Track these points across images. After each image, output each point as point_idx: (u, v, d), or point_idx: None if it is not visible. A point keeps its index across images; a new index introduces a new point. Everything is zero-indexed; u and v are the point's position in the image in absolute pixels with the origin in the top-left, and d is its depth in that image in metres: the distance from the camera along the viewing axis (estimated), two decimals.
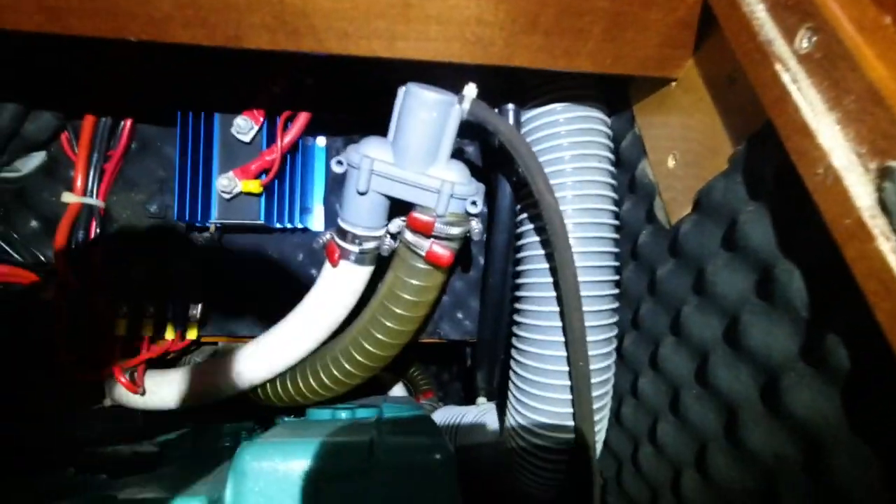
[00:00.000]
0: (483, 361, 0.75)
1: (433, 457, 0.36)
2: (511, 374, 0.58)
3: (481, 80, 0.53)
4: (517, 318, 0.57)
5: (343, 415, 0.55)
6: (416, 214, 0.45)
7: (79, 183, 0.61)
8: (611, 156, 0.54)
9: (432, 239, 0.44)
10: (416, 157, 0.43)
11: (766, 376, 0.35)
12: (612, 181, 0.54)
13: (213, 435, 0.55)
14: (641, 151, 0.52)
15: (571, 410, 0.51)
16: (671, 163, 0.46)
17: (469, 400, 0.92)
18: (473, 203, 0.44)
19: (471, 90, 0.41)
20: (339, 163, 0.45)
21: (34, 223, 0.62)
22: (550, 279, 0.52)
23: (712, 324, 0.40)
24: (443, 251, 0.44)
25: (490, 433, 0.68)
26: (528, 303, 0.54)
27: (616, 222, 0.54)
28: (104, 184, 0.63)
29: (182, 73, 0.57)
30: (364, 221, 0.48)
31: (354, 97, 0.63)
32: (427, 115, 0.40)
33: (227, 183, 0.57)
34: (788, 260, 0.32)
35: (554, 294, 0.51)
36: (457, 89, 0.44)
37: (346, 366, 0.50)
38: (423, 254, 0.44)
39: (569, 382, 0.51)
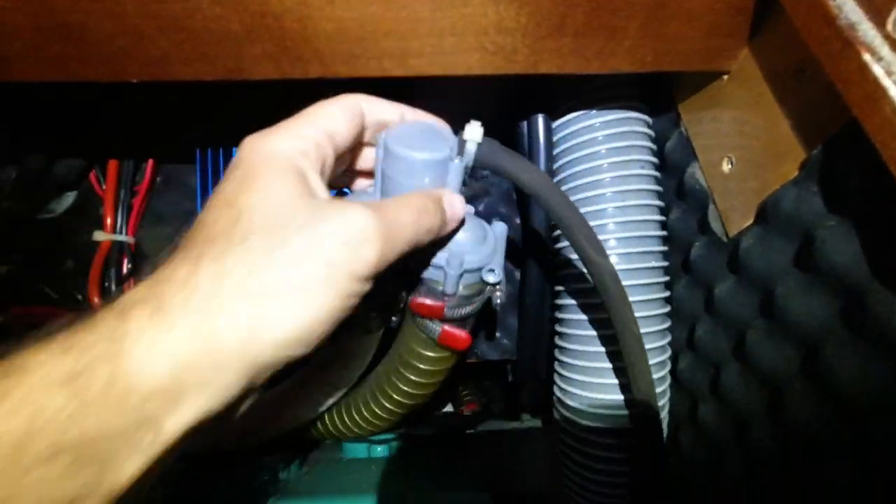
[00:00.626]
0: (525, 379, 0.71)
1: None
2: (557, 396, 0.54)
3: (502, 89, 0.49)
4: (561, 341, 0.52)
5: (378, 450, 0.52)
6: (419, 299, 0.35)
7: (108, 221, 0.61)
8: (654, 160, 0.49)
9: (443, 322, 0.36)
10: None
11: (854, 417, 0.29)
12: (657, 188, 0.49)
13: (250, 470, 0.54)
14: (690, 154, 0.46)
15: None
16: (726, 167, 0.41)
17: (513, 413, 0.88)
18: (491, 271, 0.34)
19: (474, 132, 0.30)
20: None
21: (69, 262, 0.63)
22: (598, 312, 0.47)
23: (786, 353, 0.35)
24: (458, 333, 0.36)
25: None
26: (573, 326, 0.50)
27: (663, 233, 0.49)
28: (132, 219, 0.63)
29: (198, 111, 0.56)
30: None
31: None
32: (417, 182, 0.30)
33: None
34: (885, 288, 0.27)
35: (601, 315, 0.46)
36: (473, 101, 0.40)
37: (375, 411, 0.48)
38: (435, 338, 0.36)
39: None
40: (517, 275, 0.68)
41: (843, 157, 0.29)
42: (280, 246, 0.22)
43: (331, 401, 0.49)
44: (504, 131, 0.54)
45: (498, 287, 0.35)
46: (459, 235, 0.33)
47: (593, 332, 0.48)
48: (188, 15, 0.32)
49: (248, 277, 0.21)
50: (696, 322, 0.46)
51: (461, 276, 0.33)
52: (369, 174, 0.34)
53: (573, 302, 0.50)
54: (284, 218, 0.23)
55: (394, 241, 0.25)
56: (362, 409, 0.49)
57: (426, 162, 0.29)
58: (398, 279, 0.34)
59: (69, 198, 0.63)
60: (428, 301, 0.34)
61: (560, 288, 0.52)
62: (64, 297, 0.61)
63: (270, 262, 0.22)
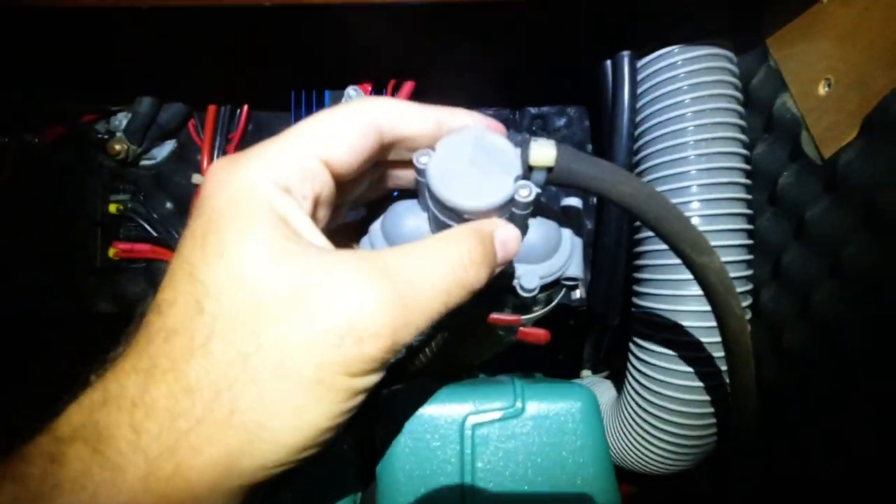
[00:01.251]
0: (592, 331, 0.72)
1: (578, 398, 0.35)
2: (633, 345, 0.55)
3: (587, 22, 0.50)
4: (642, 287, 0.53)
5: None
6: (494, 316, 0.31)
7: (205, 165, 0.66)
8: (739, 96, 0.50)
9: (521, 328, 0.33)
10: None
11: None
12: (742, 122, 0.50)
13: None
14: (779, 86, 0.47)
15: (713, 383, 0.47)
16: (823, 90, 0.42)
17: (567, 374, 0.89)
18: (569, 279, 0.30)
19: (543, 153, 0.24)
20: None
21: (169, 205, 0.68)
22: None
23: (891, 261, 0.36)
24: (538, 332, 0.34)
25: (605, 408, 0.65)
26: (658, 272, 0.50)
27: (748, 167, 0.49)
28: None
29: (292, 54, 0.59)
30: None
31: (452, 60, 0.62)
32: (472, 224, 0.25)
33: None
34: None
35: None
36: (558, 33, 0.40)
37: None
38: (512, 338, 0.35)
39: (709, 353, 0.47)
40: (589, 224, 0.69)
41: None
42: (256, 351, 0.17)
43: None
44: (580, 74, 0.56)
45: (578, 283, 0.31)
46: (530, 244, 0.28)
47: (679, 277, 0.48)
48: None
49: (216, 399, 0.17)
50: (782, 251, 0.47)
51: (535, 290, 0.28)
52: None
53: (656, 247, 0.50)
54: (259, 301, 0.18)
55: (413, 319, 0.19)
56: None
57: (484, 210, 0.23)
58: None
59: (169, 146, 0.68)
60: (503, 316, 0.31)
61: (640, 250, 0.53)
62: (164, 236, 0.66)
63: (244, 374, 0.17)
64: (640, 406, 0.53)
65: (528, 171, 0.24)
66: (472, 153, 0.24)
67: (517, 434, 0.34)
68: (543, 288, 0.29)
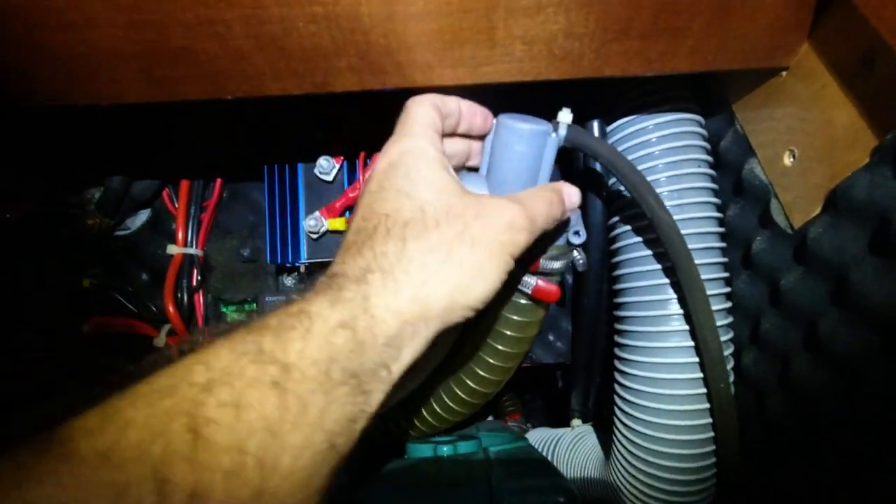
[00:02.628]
0: (578, 383, 0.71)
1: (558, 500, 0.33)
2: (618, 398, 0.55)
3: (557, 96, 0.52)
4: (622, 338, 0.53)
5: (445, 449, 0.53)
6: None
7: (180, 235, 0.65)
8: (709, 159, 0.50)
9: (537, 276, 0.41)
10: (511, 187, 0.39)
11: None
12: (713, 185, 0.50)
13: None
14: (747, 150, 0.47)
15: (698, 437, 0.47)
16: (788, 161, 0.42)
17: (556, 420, 0.88)
18: (576, 233, 0.39)
19: (565, 116, 0.37)
20: None
21: (144, 276, 0.67)
22: (664, 296, 0.48)
23: (864, 339, 0.35)
24: (550, 286, 0.40)
25: (594, 458, 0.64)
26: (636, 323, 0.50)
27: (721, 230, 0.50)
28: (202, 233, 0.66)
29: (265, 132, 0.59)
30: None
31: None
32: (523, 148, 0.36)
33: (314, 223, 0.58)
34: None
35: (670, 312, 0.47)
36: (541, 109, 0.42)
37: (449, 403, 0.49)
38: (529, 291, 0.41)
39: (694, 405, 0.46)
40: (569, 278, 0.69)
41: None
42: (464, 231, 0.28)
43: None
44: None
45: (578, 250, 0.41)
46: None
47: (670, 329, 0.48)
48: (286, 34, 0.35)
49: (448, 254, 0.27)
50: (760, 316, 0.47)
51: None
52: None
53: (634, 299, 0.51)
54: (461, 209, 0.29)
55: (535, 227, 0.31)
56: (444, 396, 0.50)
57: (532, 131, 0.36)
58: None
59: (143, 215, 0.67)
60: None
61: (620, 286, 0.53)
62: (140, 308, 0.65)
63: (461, 242, 0.27)
64: (629, 455, 0.52)
65: (556, 125, 0.37)
66: (524, 117, 0.37)
67: None
68: (557, 246, 0.40)
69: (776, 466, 0.46)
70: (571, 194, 0.36)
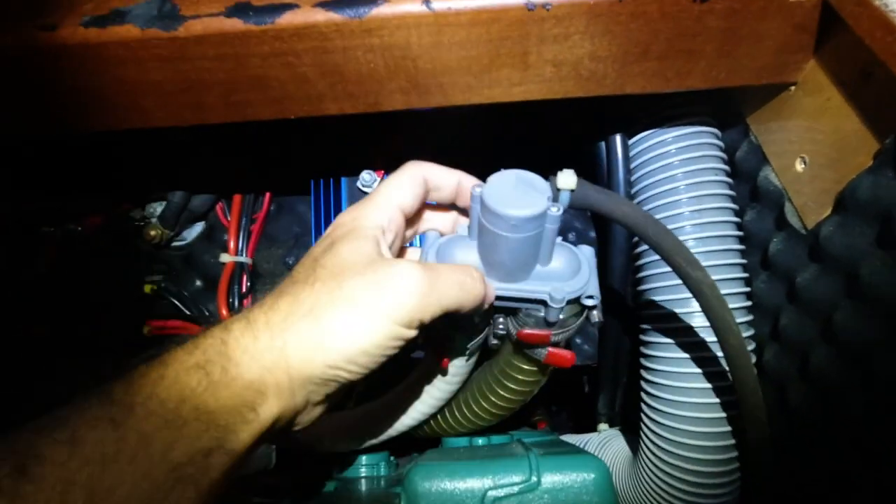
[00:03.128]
0: (605, 386, 0.74)
1: (592, 470, 0.37)
2: (645, 401, 0.57)
3: (584, 113, 0.56)
4: (647, 340, 0.56)
5: (480, 441, 0.57)
6: (526, 331, 0.38)
7: (231, 245, 0.71)
8: (726, 168, 0.54)
9: (549, 346, 0.39)
10: (512, 272, 0.35)
11: None
12: (731, 192, 0.53)
13: (352, 466, 0.59)
14: (761, 159, 0.51)
15: (724, 443, 0.49)
16: (800, 167, 0.45)
17: (582, 428, 0.90)
18: (589, 297, 0.35)
19: (567, 180, 0.32)
20: None
21: (198, 282, 0.73)
22: (685, 308, 0.51)
23: (876, 329, 0.38)
24: (563, 353, 0.38)
25: (622, 459, 0.66)
26: (662, 329, 0.53)
27: (739, 233, 0.53)
28: (251, 243, 0.72)
29: (312, 149, 0.65)
30: None
31: (458, 143, 0.68)
32: (517, 236, 0.31)
33: None
34: None
35: (691, 313, 0.50)
36: (557, 122, 0.46)
37: (476, 412, 0.52)
38: (541, 359, 0.40)
39: (723, 417, 0.49)
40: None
41: None
42: (338, 287, 0.28)
43: (429, 412, 0.54)
44: (581, 148, 0.61)
45: (595, 307, 0.36)
46: (557, 267, 0.35)
47: (681, 341, 0.51)
48: (346, 62, 0.40)
49: (313, 308, 0.27)
50: (779, 313, 0.49)
51: (563, 305, 0.35)
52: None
53: (659, 311, 0.53)
54: (348, 269, 0.29)
55: (433, 302, 0.29)
56: (464, 409, 0.54)
57: (525, 218, 0.31)
58: (451, 326, 0.39)
59: (199, 227, 0.73)
60: (534, 331, 0.37)
61: (643, 288, 0.56)
62: (195, 312, 0.70)
63: (330, 298, 0.28)
64: (657, 458, 0.54)
65: (556, 192, 0.33)
66: (514, 183, 0.32)
67: None
68: (568, 306, 0.36)
69: (799, 458, 0.48)
70: (488, 295, 0.34)
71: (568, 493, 0.36)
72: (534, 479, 0.36)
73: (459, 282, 0.31)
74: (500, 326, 0.41)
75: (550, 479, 0.36)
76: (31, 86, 0.41)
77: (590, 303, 0.36)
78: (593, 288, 0.35)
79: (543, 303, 0.35)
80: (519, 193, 0.31)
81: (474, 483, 0.36)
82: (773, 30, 0.39)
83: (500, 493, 0.36)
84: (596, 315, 0.37)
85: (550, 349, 0.38)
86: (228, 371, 0.26)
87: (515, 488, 0.36)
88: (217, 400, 0.25)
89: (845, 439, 0.42)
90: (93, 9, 0.38)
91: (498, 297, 0.36)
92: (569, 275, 0.35)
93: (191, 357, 0.26)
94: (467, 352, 0.44)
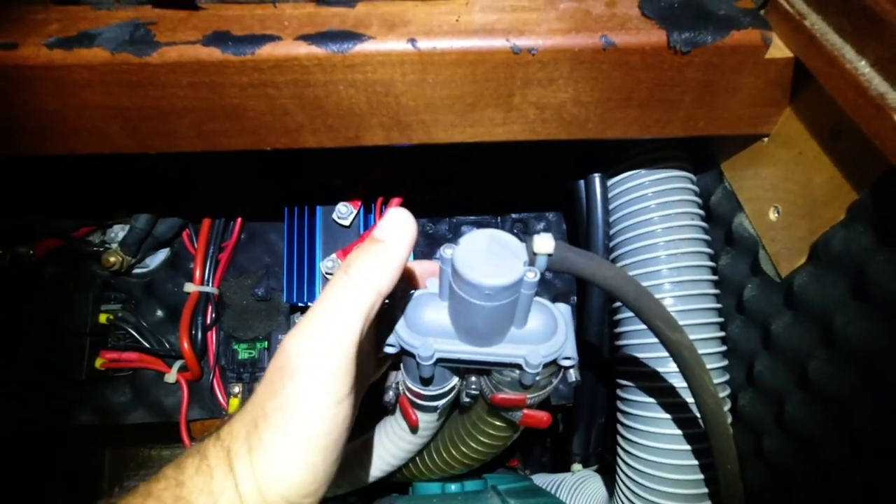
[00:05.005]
0: (580, 426, 0.72)
1: None
2: (621, 443, 0.56)
3: (565, 151, 0.56)
4: (626, 391, 0.55)
5: (452, 487, 0.54)
6: (501, 396, 0.37)
7: (198, 273, 0.68)
8: (701, 212, 0.55)
9: (524, 409, 0.37)
10: (485, 337, 0.33)
11: None
12: (706, 237, 0.54)
13: None
14: (735, 205, 0.52)
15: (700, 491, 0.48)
16: (773, 216, 0.46)
17: (557, 466, 0.88)
18: (567, 358, 0.34)
19: (545, 244, 0.30)
20: (391, 345, 0.34)
21: (160, 312, 0.69)
22: (662, 365, 0.50)
23: (851, 379, 0.38)
24: (539, 414, 0.38)
25: (597, 500, 0.65)
26: (641, 378, 0.53)
27: (714, 277, 0.53)
28: (218, 272, 0.69)
29: (286, 176, 0.63)
30: (434, 386, 0.40)
31: (437, 178, 0.68)
32: (491, 304, 0.29)
33: (330, 265, 0.61)
34: None
35: (667, 366, 0.50)
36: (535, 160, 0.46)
37: (447, 461, 0.50)
38: (517, 421, 0.39)
39: (694, 461, 0.49)
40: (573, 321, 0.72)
41: (887, 199, 0.34)
42: (261, 408, 0.26)
43: (398, 465, 0.52)
44: (557, 185, 0.61)
45: (573, 366, 0.35)
46: (533, 328, 0.33)
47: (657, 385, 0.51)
48: (327, 95, 0.39)
49: (248, 437, 0.26)
50: (753, 359, 0.50)
51: (539, 368, 0.33)
52: None
53: (637, 364, 0.53)
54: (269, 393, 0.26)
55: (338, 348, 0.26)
56: (435, 458, 0.52)
57: (499, 287, 0.29)
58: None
59: (162, 254, 0.70)
60: (510, 396, 0.36)
61: (620, 331, 0.56)
62: (154, 345, 0.66)
63: (254, 422, 0.26)
64: (632, 500, 0.53)
65: (532, 257, 0.30)
66: (487, 245, 0.30)
67: None
68: (545, 368, 0.33)
69: (781, 501, 0.47)
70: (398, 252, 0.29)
71: None
72: None
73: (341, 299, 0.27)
74: (473, 387, 0.39)
75: None
76: None
77: (567, 363, 0.34)
78: (570, 349, 0.34)
79: (519, 367, 0.34)
80: (493, 258, 0.29)
81: None
82: (749, 84, 0.40)
83: None
84: (573, 375, 0.36)
85: (526, 411, 0.37)
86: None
87: None
88: None
89: (824, 487, 0.42)
90: (59, 30, 0.36)
91: (470, 362, 0.35)
92: (545, 336, 0.34)
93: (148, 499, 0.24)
94: (437, 410, 0.43)
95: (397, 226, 0.29)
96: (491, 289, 0.29)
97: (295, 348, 0.26)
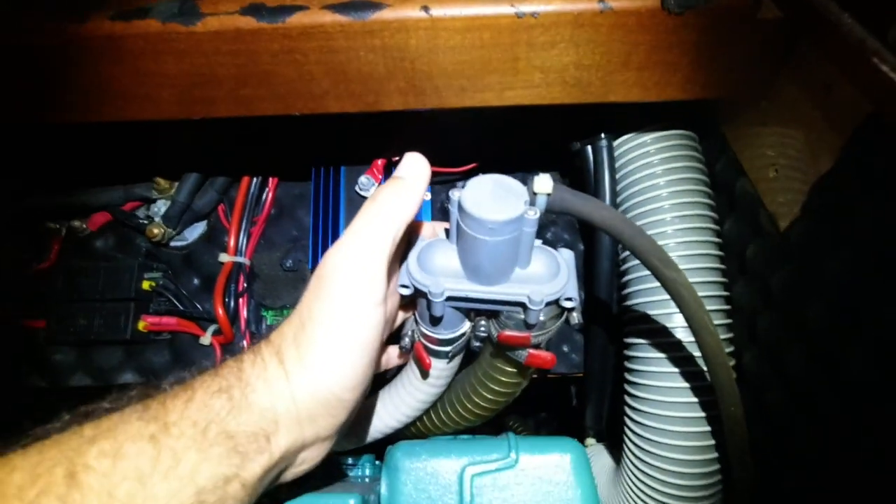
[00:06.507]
0: (591, 397, 0.74)
1: (569, 451, 0.38)
2: (627, 414, 0.58)
3: (574, 117, 0.59)
4: (632, 348, 0.57)
5: (464, 437, 0.57)
6: (507, 333, 0.39)
7: (231, 244, 0.73)
8: (705, 178, 0.57)
9: (529, 348, 0.39)
10: (491, 275, 0.36)
11: None
12: (710, 201, 0.56)
13: (336, 466, 0.59)
14: (738, 170, 0.54)
15: (707, 457, 0.50)
16: (772, 174, 0.48)
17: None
18: (568, 299, 0.36)
19: (544, 184, 0.32)
20: (405, 286, 0.36)
21: (196, 281, 0.74)
22: (667, 314, 0.52)
23: (845, 325, 0.40)
24: (543, 354, 0.39)
25: (606, 474, 0.66)
26: (644, 343, 0.54)
27: (719, 240, 0.55)
28: (250, 244, 0.74)
29: (315, 141, 0.68)
30: (446, 329, 0.42)
31: (456, 148, 0.71)
32: (495, 239, 0.32)
33: None
34: None
35: (672, 317, 0.52)
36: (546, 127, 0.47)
37: (460, 412, 0.52)
38: (522, 361, 0.41)
39: (705, 428, 0.50)
40: (582, 294, 0.74)
41: (868, 144, 0.36)
42: (310, 314, 0.30)
43: (413, 415, 0.55)
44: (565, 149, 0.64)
45: (574, 308, 0.37)
46: (536, 269, 0.36)
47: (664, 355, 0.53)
48: (349, 61, 0.44)
49: (296, 337, 0.30)
50: (756, 317, 0.51)
51: (542, 307, 0.35)
52: None
53: (641, 318, 0.55)
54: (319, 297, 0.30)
55: (373, 261, 0.31)
56: (448, 410, 0.55)
57: (503, 222, 0.31)
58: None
59: (200, 227, 0.76)
60: (515, 333, 0.38)
61: (627, 292, 0.58)
62: (190, 310, 0.72)
63: (305, 324, 0.30)
64: (639, 470, 0.55)
65: (532, 196, 0.33)
66: (492, 187, 0.33)
67: (512, 484, 0.37)
68: (548, 308, 0.36)
69: (778, 460, 0.49)
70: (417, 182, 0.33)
71: (545, 472, 0.37)
72: (512, 456, 0.37)
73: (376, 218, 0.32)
74: (482, 329, 0.42)
75: (528, 459, 0.37)
76: (55, 73, 0.45)
77: (569, 304, 0.36)
78: (572, 290, 0.36)
79: (523, 305, 0.36)
80: (496, 198, 0.32)
81: (453, 459, 0.37)
82: (743, 45, 0.43)
83: (478, 469, 0.37)
84: (576, 317, 0.37)
85: (531, 351, 0.39)
86: (246, 395, 0.27)
87: (493, 465, 0.37)
88: (238, 424, 0.27)
89: (823, 440, 0.43)
90: (119, 4, 0.42)
91: (478, 300, 0.37)
92: (548, 277, 0.36)
93: (214, 382, 0.27)
94: (449, 354, 0.46)
95: (415, 165, 0.34)
96: (494, 223, 0.31)
97: (336, 259, 0.31)
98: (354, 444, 0.58)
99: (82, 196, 0.72)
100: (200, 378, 0.28)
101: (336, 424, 0.31)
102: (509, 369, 0.46)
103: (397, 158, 0.65)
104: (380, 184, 0.67)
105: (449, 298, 0.38)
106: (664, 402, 0.52)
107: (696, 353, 0.50)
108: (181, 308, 0.72)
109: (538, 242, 0.37)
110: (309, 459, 0.31)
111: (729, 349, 0.53)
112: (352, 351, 0.29)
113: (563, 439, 0.39)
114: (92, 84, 0.45)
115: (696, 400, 0.51)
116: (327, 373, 0.29)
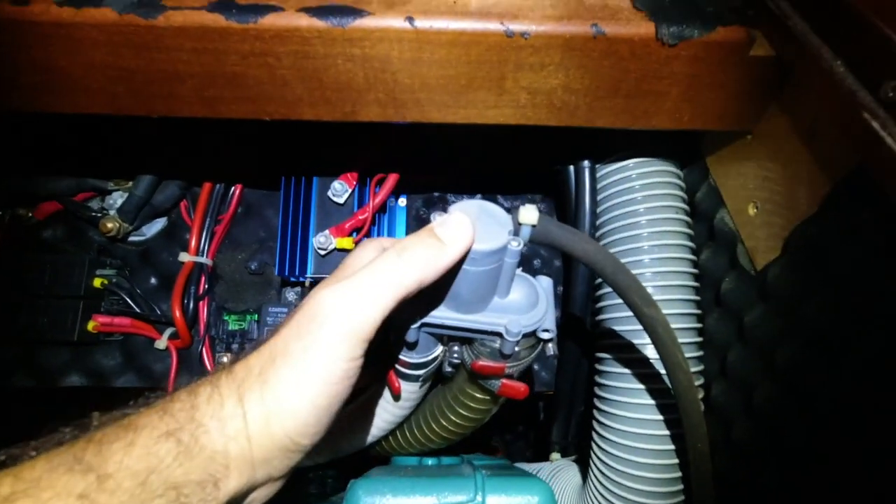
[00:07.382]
0: (559, 415, 0.74)
1: (537, 493, 0.37)
2: (595, 430, 0.58)
3: (557, 139, 0.58)
4: (603, 367, 0.57)
5: (429, 461, 0.56)
6: (481, 363, 0.38)
7: (193, 243, 0.69)
8: (686, 207, 0.56)
9: (503, 378, 0.39)
10: (469, 304, 0.35)
11: None
12: (689, 231, 0.55)
13: (298, 481, 0.57)
14: (718, 201, 0.53)
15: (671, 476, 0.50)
16: (752, 211, 0.48)
17: (540, 457, 0.90)
18: (546, 330, 0.36)
19: (529, 215, 0.32)
20: None
21: (153, 280, 0.70)
22: (639, 340, 0.52)
23: (816, 366, 0.40)
24: (517, 385, 0.39)
25: (571, 489, 0.66)
26: (615, 362, 0.54)
27: (695, 271, 0.55)
28: (214, 244, 0.70)
29: (286, 147, 0.65)
30: (419, 353, 0.42)
31: (434, 159, 0.69)
32: (475, 269, 0.31)
33: (323, 240, 0.63)
34: None
35: (645, 345, 0.51)
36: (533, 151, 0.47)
37: (427, 434, 0.51)
38: (495, 390, 0.40)
39: (670, 451, 0.50)
40: (558, 312, 0.73)
41: (854, 194, 0.35)
42: (281, 343, 0.28)
43: (379, 435, 0.53)
44: (548, 169, 0.62)
45: (551, 340, 0.36)
46: (514, 299, 0.35)
47: (634, 372, 0.52)
48: (325, 69, 0.41)
49: (262, 371, 0.28)
50: (727, 350, 0.51)
51: (519, 338, 0.35)
52: None
53: (614, 342, 0.55)
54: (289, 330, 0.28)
55: (365, 315, 0.28)
56: (415, 431, 0.53)
57: (486, 252, 0.31)
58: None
59: (159, 223, 0.71)
60: (489, 363, 0.38)
61: (601, 318, 0.57)
62: (146, 311, 0.68)
63: (272, 357, 0.28)
64: (604, 488, 0.55)
65: (517, 227, 0.32)
66: (476, 214, 0.32)
67: None
68: (524, 339, 0.35)
69: (744, 491, 0.49)
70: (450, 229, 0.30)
71: None
72: (478, 499, 0.36)
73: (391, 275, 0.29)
74: (455, 355, 0.41)
75: (495, 500, 0.36)
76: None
77: (546, 336, 0.36)
78: (550, 322, 0.35)
79: (499, 335, 0.35)
80: (480, 226, 0.31)
81: (417, 500, 0.35)
82: (733, 79, 0.42)
83: None
84: (551, 348, 0.37)
85: (504, 381, 0.39)
86: (197, 438, 0.25)
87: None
88: (185, 473, 0.25)
89: (789, 472, 0.43)
90: None
91: (454, 328, 0.36)
92: (526, 307, 0.35)
93: (161, 422, 0.25)
94: (420, 378, 0.44)
95: (459, 230, 0.30)
96: (477, 253, 0.30)
97: (330, 300, 0.28)
98: (321, 461, 0.56)
99: (28, 183, 0.66)
100: (147, 414, 0.26)
101: (290, 466, 0.29)
102: (480, 396, 0.45)
103: (382, 176, 0.63)
104: (353, 189, 0.64)
105: (424, 325, 0.36)
106: (632, 418, 0.52)
107: (665, 378, 0.50)
108: (136, 308, 0.68)
109: (518, 269, 0.35)
110: (258, 499, 0.29)
111: (699, 381, 0.53)
112: (318, 397, 0.27)
113: (531, 480, 0.38)
114: (40, 74, 0.41)
115: (663, 419, 0.51)
116: (288, 417, 0.27)
